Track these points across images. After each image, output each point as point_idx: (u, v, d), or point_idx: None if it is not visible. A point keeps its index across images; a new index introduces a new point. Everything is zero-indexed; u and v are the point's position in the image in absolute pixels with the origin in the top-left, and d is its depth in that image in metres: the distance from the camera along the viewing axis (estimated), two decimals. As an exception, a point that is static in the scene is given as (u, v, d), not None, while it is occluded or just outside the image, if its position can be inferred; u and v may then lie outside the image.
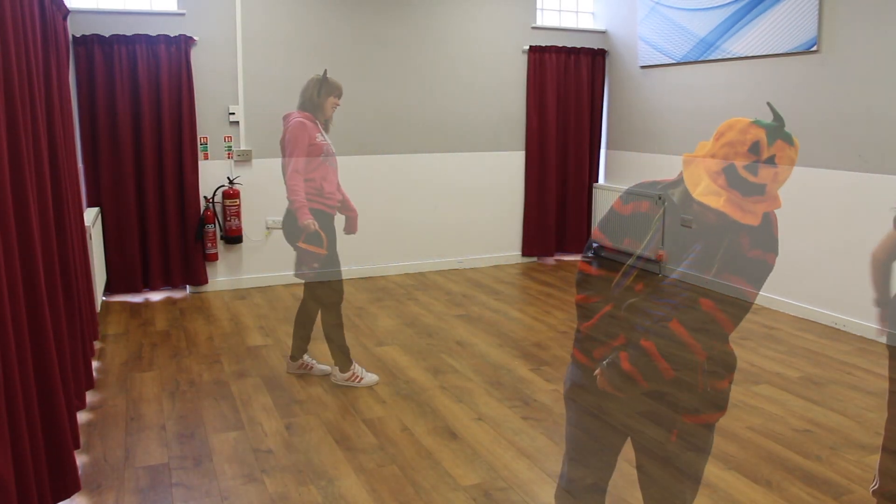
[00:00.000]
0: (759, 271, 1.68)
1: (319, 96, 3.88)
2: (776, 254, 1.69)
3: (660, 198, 1.77)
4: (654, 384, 1.77)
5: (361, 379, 3.97)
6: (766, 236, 1.66)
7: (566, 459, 2.16)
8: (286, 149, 3.84)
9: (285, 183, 3.82)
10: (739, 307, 1.66)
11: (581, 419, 2.05)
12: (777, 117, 1.60)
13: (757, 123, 1.58)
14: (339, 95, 3.93)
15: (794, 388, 3.94)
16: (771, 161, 1.56)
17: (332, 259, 3.94)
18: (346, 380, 3.95)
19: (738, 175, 1.55)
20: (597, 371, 1.86)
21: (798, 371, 4.19)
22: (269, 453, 3.20)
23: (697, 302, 1.67)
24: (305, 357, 4.15)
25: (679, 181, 1.75)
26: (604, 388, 1.87)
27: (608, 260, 1.84)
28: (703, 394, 1.84)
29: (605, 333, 1.86)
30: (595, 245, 1.88)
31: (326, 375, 4.09)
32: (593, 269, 1.88)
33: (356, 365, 4.01)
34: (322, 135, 3.88)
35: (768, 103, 1.64)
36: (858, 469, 3.06)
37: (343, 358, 3.97)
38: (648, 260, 1.78)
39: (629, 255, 1.83)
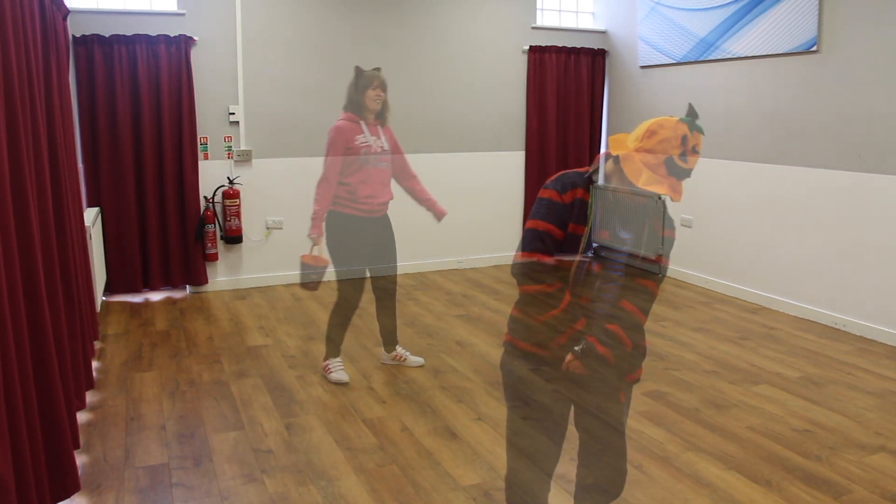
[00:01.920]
0: (671, 246, 2.11)
1: (357, 93, 3.79)
2: (674, 229, 2.15)
3: (659, 197, 1.99)
4: (620, 360, 2.07)
5: (331, 372, 4.00)
6: (668, 218, 2.08)
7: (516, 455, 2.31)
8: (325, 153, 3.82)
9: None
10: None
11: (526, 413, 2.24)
12: (692, 112, 1.97)
13: (682, 120, 1.94)
14: (378, 86, 3.80)
15: (794, 388, 3.93)
16: (694, 150, 1.92)
17: (353, 260, 3.95)
18: (323, 368, 4.06)
19: (676, 164, 1.90)
20: (569, 357, 2.07)
21: (798, 371, 4.19)
22: (269, 453, 3.20)
23: (634, 280, 2.05)
24: (398, 349, 4.26)
25: (597, 169, 2.08)
26: (577, 370, 2.07)
27: (555, 249, 2.11)
28: (642, 353, 2.17)
29: (562, 321, 2.10)
30: (544, 235, 2.12)
31: (420, 367, 4.21)
32: (549, 259, 2.11)
33: (335, 360, 4.04)
34: (366, 136, 3.80)
35: (690, 104, 2.03)
36: (858, 469, 3.06)
37: (331, 347, 4.04)
38: (638, 256, 2.04)
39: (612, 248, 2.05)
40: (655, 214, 2.04)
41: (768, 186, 5.44)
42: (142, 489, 2.89)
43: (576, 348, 2.05)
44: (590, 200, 2.02)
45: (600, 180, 2.06)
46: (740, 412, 3.63)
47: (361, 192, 3.81)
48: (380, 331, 4.25)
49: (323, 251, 3.81)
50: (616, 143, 2.02)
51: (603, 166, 2.06)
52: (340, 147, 3.77)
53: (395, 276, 4.13)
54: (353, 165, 3.80)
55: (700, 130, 1.93)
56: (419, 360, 4.27)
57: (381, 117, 3.90)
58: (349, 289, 4.00)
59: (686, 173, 1.92)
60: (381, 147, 3.87)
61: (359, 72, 3.83)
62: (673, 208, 2.06)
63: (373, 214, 3.89)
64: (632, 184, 1.94)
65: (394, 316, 4.21)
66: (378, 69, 3.90)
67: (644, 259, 2.02)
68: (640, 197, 2.00)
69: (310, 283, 3.93)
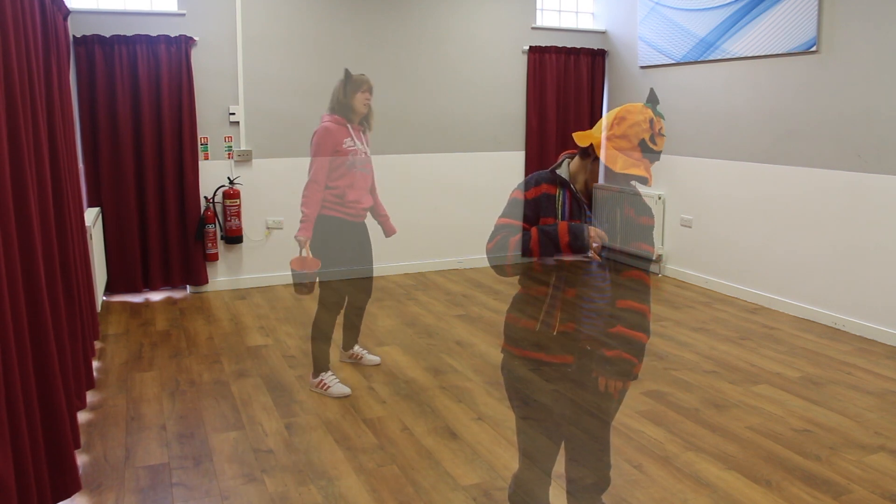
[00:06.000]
0: (649, 232, 2.16)
1: (346, 96, 3.77)
2: (653, 216, 2.20)
3: (659, 197, 2.03)
4: (639, 353, 2.14)
5: (329, 388, 3.83)
6: (643, 205, 2.13)
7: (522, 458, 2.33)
8: (311, 155, 3.78)
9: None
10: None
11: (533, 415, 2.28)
12: (653, 97, 2.02)
13: (646, 105, 1.99)
14: (367, 90, 3.81)
15: (794, 388, 3.94)
16: (660, 132, 1.97)
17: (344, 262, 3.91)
18: (315, 386, 3.87)
19: (648, 147, 1.96)
20: (597, 377, 2.13)
21: (798, 371, 4.19)
22: (269, 453, 3.20)
23: (622, 275, 2.12)
24: (356, 348, 4.24)
25: (561, 163, 2.14)
26: (613, 388, 2.14)
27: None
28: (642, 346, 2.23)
29: (548, 314, 2.25)
30: (506, 226, 2.20)
31: (377, 365, 4.20)
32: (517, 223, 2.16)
33: (327, 373, 3.88)
34: (353, 139, 3.78)
35: (651, 89, 2.09)
36: (858, 469, 3.06)
37: (318, 363, 3.89)
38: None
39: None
40: (628, 203, 2.10)
41: (768, 186, 5.45)
42: (142, 489, 2.90)
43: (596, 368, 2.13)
44: (556, 194, 2.08)
45: (563, 173, 2.12)
46: (740, 412, 3.63)
47: (349, 197, 3.77)
48: (343, 328, 4.18)
49: (310, 253, 3.76)
50: (581, 136, 2.06)
51: (567, 164, 2.12)
52: (329, 149, 3.73)
53: (371, 278, 4.11)
54: (340, 169, 3.75)
55: (661, 115, 2.00)
56: (375, 358, 4.25)
57: (364, 122, 3.88)
58: (329, 291, 3.91)
59: (657, 156, 1.98)
60: (366, 152, 3.86)
61: (348, 75, 3.81)
62: (672, 208, 2.09)
63: (358, 219, 3.86)
64: (609, 171, 2.01)
65: (360, 317, 4.18)
66: (363, 75, 3.89)
67: (623, 252, 2.07)
68: (608, 189, 2.07)
69: (303, 287, 3.80)
